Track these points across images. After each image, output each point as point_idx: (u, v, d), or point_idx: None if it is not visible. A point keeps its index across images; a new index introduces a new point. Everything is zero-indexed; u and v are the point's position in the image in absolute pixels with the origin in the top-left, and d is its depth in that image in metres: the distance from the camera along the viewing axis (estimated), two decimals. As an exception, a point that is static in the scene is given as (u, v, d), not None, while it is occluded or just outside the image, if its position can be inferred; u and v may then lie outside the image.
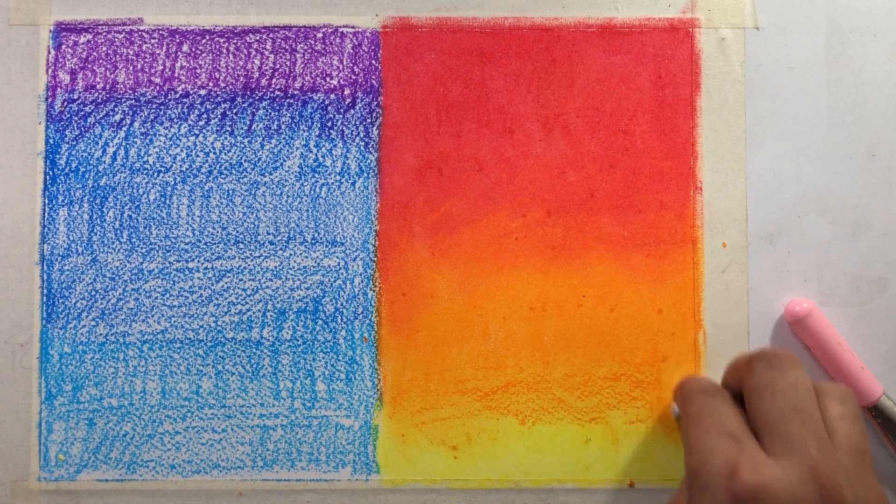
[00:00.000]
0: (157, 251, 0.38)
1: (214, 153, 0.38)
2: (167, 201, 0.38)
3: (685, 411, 0.32)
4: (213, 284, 0.38)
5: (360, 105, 0.38)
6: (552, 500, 0.37)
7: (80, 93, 0.38)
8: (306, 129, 0.38)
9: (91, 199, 0.38)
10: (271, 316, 0.38)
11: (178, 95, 0.38)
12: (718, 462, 0.28)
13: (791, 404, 0.29)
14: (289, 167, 0.38)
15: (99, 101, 0.38)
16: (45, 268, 0.38)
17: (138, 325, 0.38)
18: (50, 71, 0.38)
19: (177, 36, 0.38)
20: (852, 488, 0.28)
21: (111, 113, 0.38)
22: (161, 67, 0.38)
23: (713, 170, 0.38)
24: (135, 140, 0.38)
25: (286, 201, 0.38)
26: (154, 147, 0.38)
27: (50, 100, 0.38)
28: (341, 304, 0.38)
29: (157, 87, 0.38)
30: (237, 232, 0.38)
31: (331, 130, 0.38)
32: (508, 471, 0.38)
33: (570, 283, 0.38)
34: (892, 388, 0.38)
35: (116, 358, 0.38)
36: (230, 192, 0.38)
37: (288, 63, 0.38)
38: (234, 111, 0.38)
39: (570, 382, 0.38)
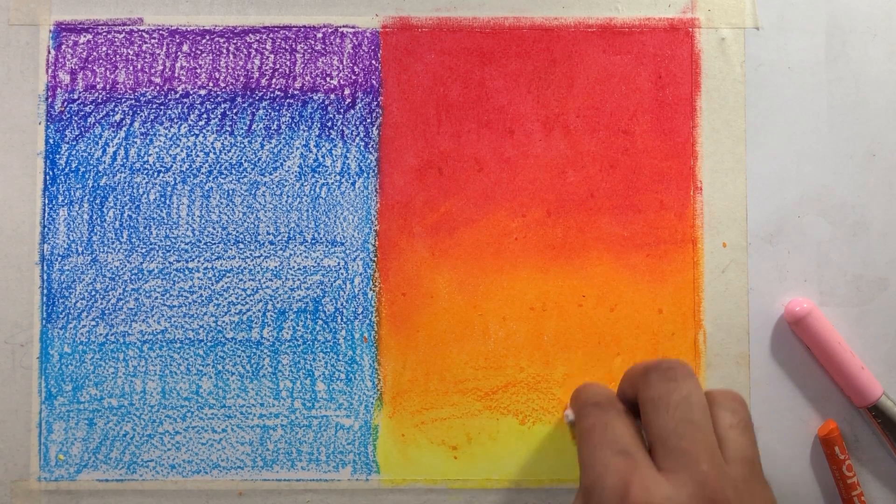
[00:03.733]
0: (157, 251, 0.38)
1: (214, 153, 0.38)
2: (167, 201, 0.38)
3: (579, 425, 0.32)
4: (213, 284, 0.38)
5: (360, 105, 0.38)
6: (552, 500, 0.37)
7: (80, 93, 0.38)
8: (306, 129, 0.38)
9: (91, 199, 0.38)
10: (271, 316, 0.38)
11: (178, 95, 0.38)
12: (611, 482, 0.28)
13: (684, 417, 0.30)
14: (289, 167, 0.38)
15: (99, 101, 0.38)
16: (45, 268, 0.38)
17: (138, 325, 0.38)
18: (50, 71, 0.38)
19: (177, 36, 0.38)
20: (741, 501, 0.28)
21: (111, 113, 0.38)
22: (161, 67, 0.38)
23: (713, 170, 0.38)
24: (135, 140, 0.38)
25: (286, 201, 0.38)
26: (154, 147, 0.38)
27: (50, 100, 0.38)
28: (341, 304, 0.38)
29: (157, 87, 0.38)
30: (237, 232, 0.38)
31: (331, 130, 0.38)
32: (508, 471, 0.38)
33: (570, 283, 0.38)
34: (892, 388, 0.38)
35: (116, 358, 0.38)
36: (230, 192, 0.38)
37: (288, 63, 0.38)
38: (234, 111, 0.38)
39: (570, 382, 0.38)
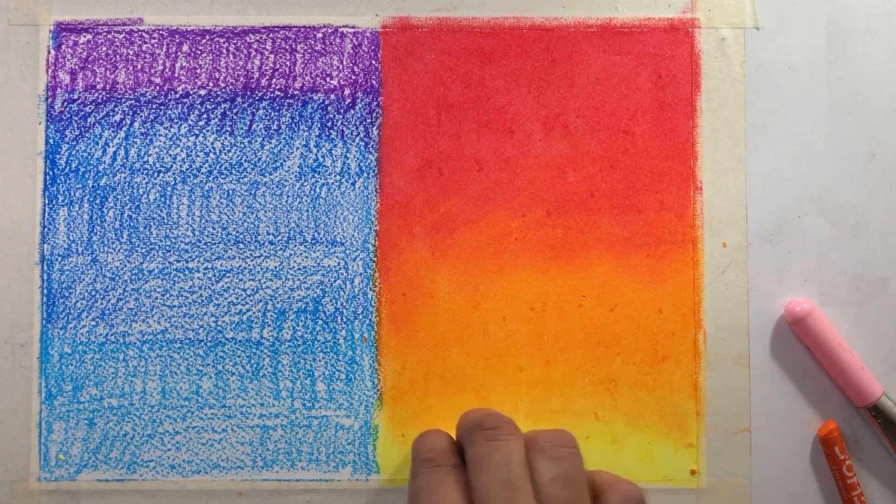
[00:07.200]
0: (157, 251, 0.38)
1: (214, 153, 0.38)
2: (167, 201, 0.38)
3: (411, 484, 0.31)
4: (213, 284, 0.38)
5: (360, 105, 0.38)
6: (552, 500, 0.37)
7: (80, 93, 0.38)
8: (306, 129, 0.38)
9: (91, 199, 0.38)
10: (271, 316, 0.38)
11: (178, 95, 0.38)
12: None
13: (503, 479, 0.29)
14: (289, 167, 0.38)
15: (99, 101, 0.38)
16: (45, 268, 0.38)
17: (138, 325, 0.38)
18: (50, 71, 0.38)
19: (177, 36, 0.38)
20: None
21: (111, 113, 0.38)
22: (161, 67, 0.38)
23: (713, 170, 0.38)
24: (135, 140, 0.38)
25: (286, 201, 0.38)
26: (154, 147, 0.38)
27: (50, 100, 0.38)
28: (341, 304, 0.38)
29: (157, 87, 0.38)
30: (237, 232, 0.38)
31: (331, 130, 0.38)
32: (508, 471, 0.37)
33: (570, 283, 0.38)
34: (892, 388, 0.38)
35: (116, 358, 0.38)
36: (230, 192, 0.38)
37: (288, 63, 0.38)
38: (234, 111, 0.38)
39: (570, 382, 0.38)
